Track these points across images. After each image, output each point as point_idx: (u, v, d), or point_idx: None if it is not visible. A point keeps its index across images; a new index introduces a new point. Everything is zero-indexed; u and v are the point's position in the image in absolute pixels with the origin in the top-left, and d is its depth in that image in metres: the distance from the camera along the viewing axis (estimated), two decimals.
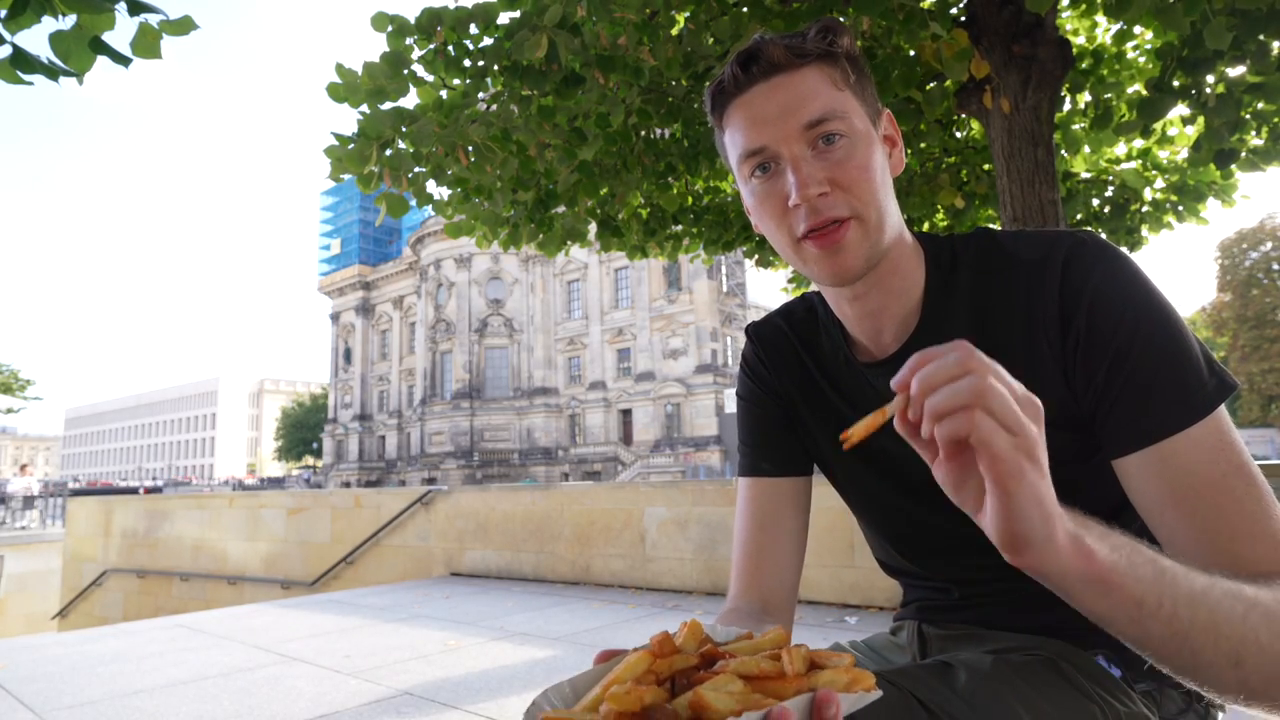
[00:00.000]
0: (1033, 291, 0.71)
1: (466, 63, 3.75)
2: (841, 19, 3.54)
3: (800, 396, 0.90)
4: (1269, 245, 35.83)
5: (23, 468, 19.26)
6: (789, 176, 0.70)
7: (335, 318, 58.62)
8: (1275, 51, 3.47)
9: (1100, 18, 4.51)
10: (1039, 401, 0.48)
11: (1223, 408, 0.63)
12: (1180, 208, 5.25)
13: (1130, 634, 0.51)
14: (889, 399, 0.80)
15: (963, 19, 3.73)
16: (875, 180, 0.70)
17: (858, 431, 0.50)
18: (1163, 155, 5.18)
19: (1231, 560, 0.58)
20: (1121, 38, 4.47)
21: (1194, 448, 0.61)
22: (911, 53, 3.82)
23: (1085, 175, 5.43)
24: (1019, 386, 0.48)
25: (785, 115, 0.70)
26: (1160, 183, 5.25)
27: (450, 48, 3.67)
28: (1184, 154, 5.04)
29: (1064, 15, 4.54)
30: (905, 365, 0.49)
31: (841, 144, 0.69)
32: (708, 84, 0.88)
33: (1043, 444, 0.47)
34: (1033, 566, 0.49)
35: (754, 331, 0.95)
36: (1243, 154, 4.26)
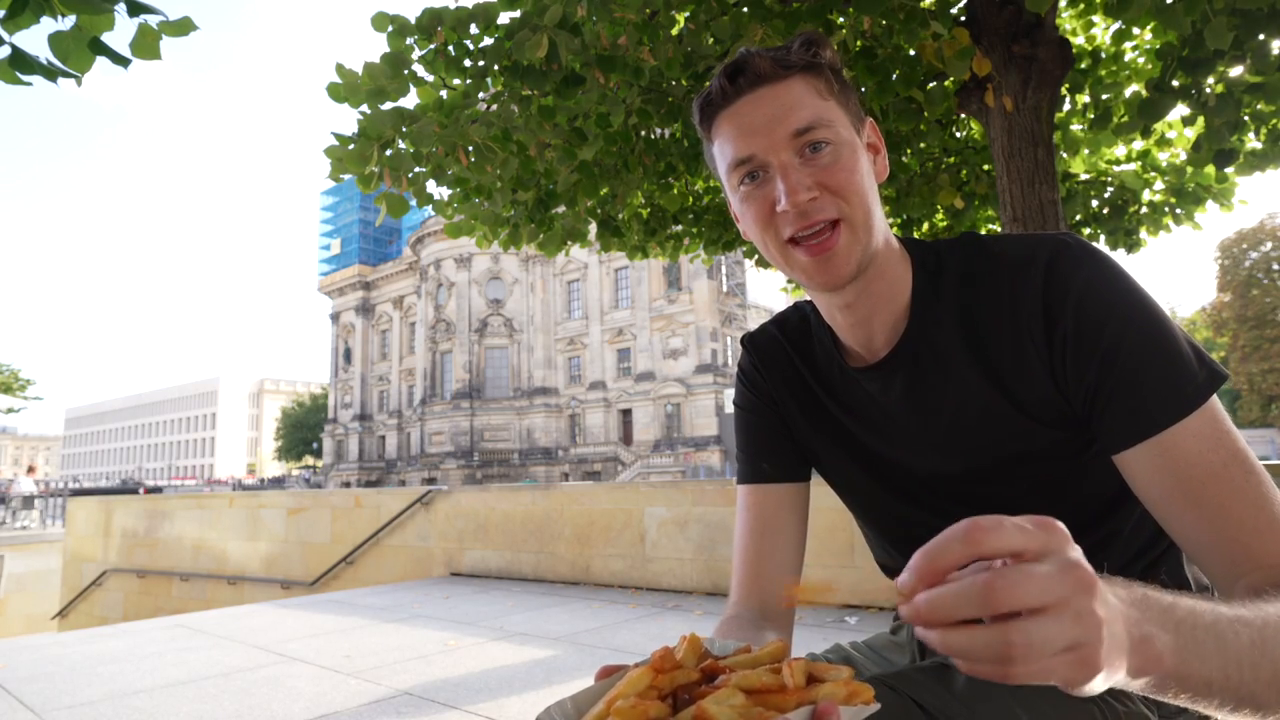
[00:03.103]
0: (1017, 293, 0.72)
1: (467, 63, 3.75)
2: (842, 19, 3.53)
3: (796, 404, 0.91)
4: (1269, 245, 35.84)
5: (29, 469, 19.29)
6: (778, 184, 0.72)
7: (335, 318, 58.63)
8: (1275, 51, 3.47)
9: (1098, 17, 4.51)
10: (1093, 576, 0.41)
11: (1216, 399, 0.64)
12: (1178, 210, 5.25)
13: (1197, 706, 0.50)
14: (881, 403, 0.82)
15: (963, 19, 3.73)
16: (863, 184, 0.73)
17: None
18: (1162, 157, 5.18)
19: (1243, 551, 0.59)
20: (1120, 37, 4.47)
21: (1191, 438, 0.62)
22: (912, 52, 3.82)
23: (1084, 176, 5.43)
24: (1067, 557, 0.40)
25: (773, 124, 0.72)
26: (1159, 184, 5.25)
27: (450, 48, 3.68)
28: (1183, 156, 5.04)
29: (1063, 15, 4.54)
30: (910, 568, 0.42)
31: (828, 151, 0.71)
32: (694, 96, 0.88)
33: (1109, 617, 0.41)
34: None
35: (749, 341, 0.97)
36: (1241, 156, 4.26)
